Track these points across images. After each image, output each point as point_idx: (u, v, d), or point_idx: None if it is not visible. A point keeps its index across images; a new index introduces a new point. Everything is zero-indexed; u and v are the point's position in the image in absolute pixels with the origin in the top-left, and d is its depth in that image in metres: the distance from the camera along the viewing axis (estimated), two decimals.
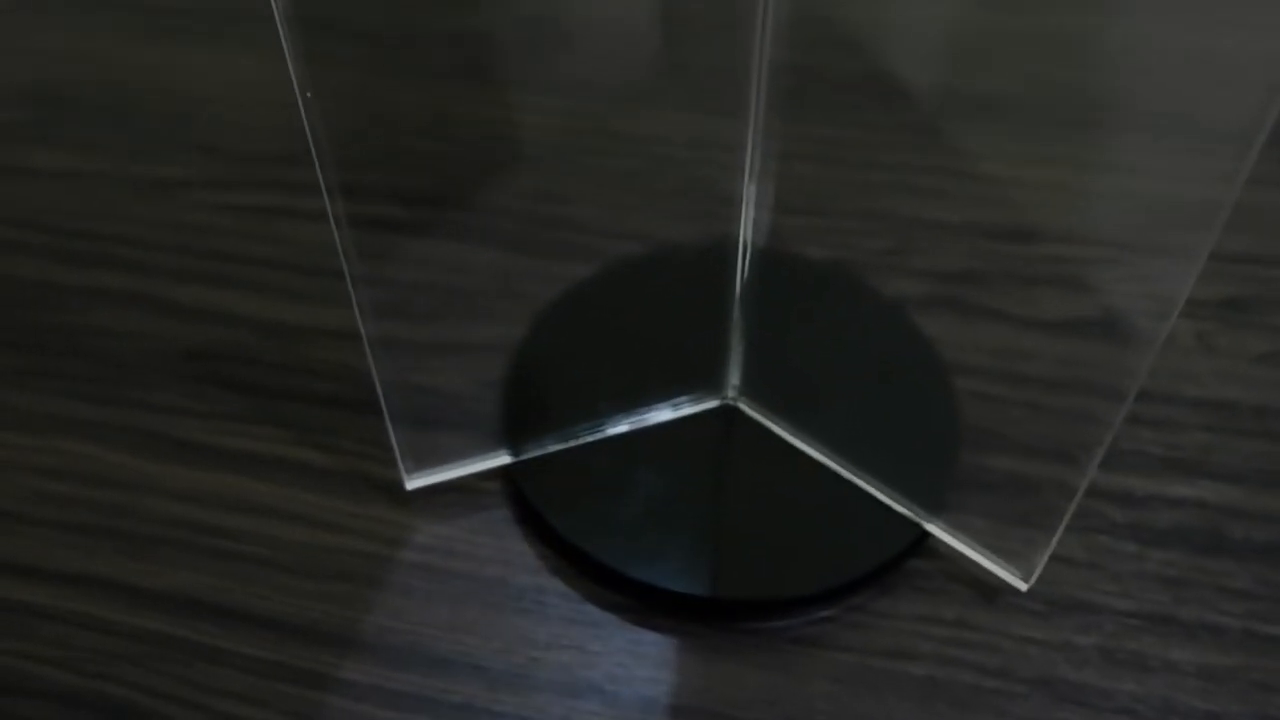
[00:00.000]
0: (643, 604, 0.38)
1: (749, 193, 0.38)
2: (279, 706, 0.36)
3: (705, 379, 0.41)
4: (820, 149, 0.54)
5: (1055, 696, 0.35)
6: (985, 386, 0.43)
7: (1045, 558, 0.36)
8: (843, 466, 0.39)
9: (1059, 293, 0.48)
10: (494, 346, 0.44)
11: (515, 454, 0.40)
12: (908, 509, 0.38)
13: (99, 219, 0.53)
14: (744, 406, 0.41)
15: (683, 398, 0.41)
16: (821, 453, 0.39)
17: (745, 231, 0.39)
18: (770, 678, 0.36)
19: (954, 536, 0.37)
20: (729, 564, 0.37)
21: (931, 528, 0.38)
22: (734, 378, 0.41)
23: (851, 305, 0.45)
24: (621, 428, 0.41)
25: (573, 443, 0.40)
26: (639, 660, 0.36)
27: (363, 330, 0.36)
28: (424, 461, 0.39)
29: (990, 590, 0.38)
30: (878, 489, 0.38)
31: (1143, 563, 0.38)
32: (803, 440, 0.40)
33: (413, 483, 0.39)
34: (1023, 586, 0.36)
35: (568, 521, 0.38)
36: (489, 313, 0.47)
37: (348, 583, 0.39)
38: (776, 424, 0.40)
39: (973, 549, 0.37)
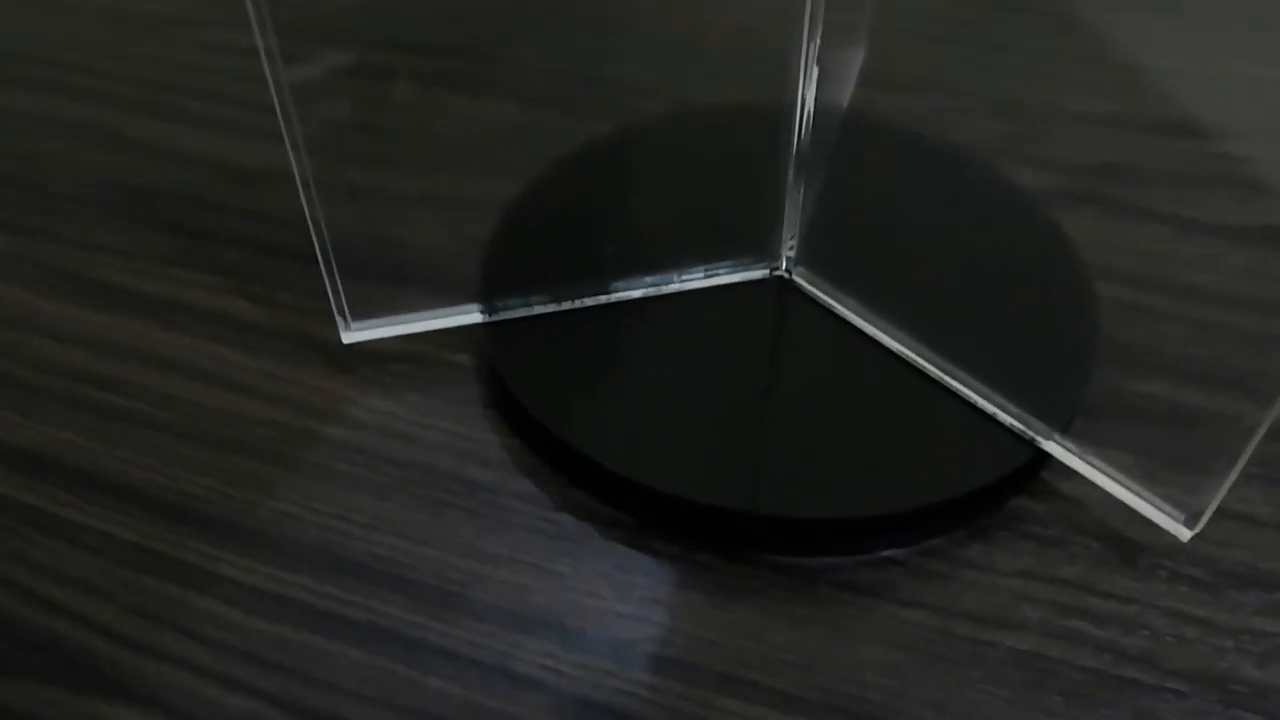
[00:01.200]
0: (638, 519, 0.27)
1: (809, 52, 0.28)
2: (124, 602, 0.26)
3: (751, 243, 0.31)
4: (935, 26, 0.44)
5: (1225, 700, 0.24)
6: (1134, 296, 0.32)
7: (1212, 508, 0.25)
8: (931, 362, 0.28)
9: (1232, 195, 0.36)
10: (491, 203, 0.35)
11: (489, 312, 0.30)
12: (1021, 425, 0.27)
13: (71, 48, 0.45)
14: (800, 279, 0.31)
15: (720, 263, 0.31)
16: (902, 342, 0.29)
17: (805, 91, 0.29)
18: (806, 634, 0.25)
19: (1088, 465, 0.26)
20: (764, 473, 0.26)
21: (1053, 449, 0.26)
22: (789, 243, 0.31)
23: (960, 183, 0.34)
24: (633, 293, 0.30)
25: (566, 305, 0.30)
26: (621, 592, 0.26)
27: (293, 164, 0.27)
28: (370, 311, 0.30)
29: (1131, 546, 0.26)
30: (980, 395, 0.27)
31: None
32: (877, 325, 0.29)
33: (352, 335, 0.30)
34: (1184, 535, 0.25)
35: (546, 403, 0.28)
36: (494, 168, 0.37)
37: (251, 458, 0.29)
38: (842, 302, 0.30)
39: (1113, 485, 0.26)
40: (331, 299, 0.29)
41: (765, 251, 0.31)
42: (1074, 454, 0.26)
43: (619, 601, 0.26)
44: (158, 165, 0.39)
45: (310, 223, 0.28)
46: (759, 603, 0.26)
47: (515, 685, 0.24)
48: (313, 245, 0.28)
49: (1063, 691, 0.24)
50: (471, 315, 0.30)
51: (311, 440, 0.29)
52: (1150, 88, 0.40)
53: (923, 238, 0.32)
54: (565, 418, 0.28)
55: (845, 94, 0.38)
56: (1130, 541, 0.26)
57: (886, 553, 0.26)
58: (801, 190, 0.31)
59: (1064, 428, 0.27)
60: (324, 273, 0.29)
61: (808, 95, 0.29)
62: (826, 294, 0.30)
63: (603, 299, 0.30)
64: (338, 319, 0.29)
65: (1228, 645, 0.25)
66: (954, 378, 0.28)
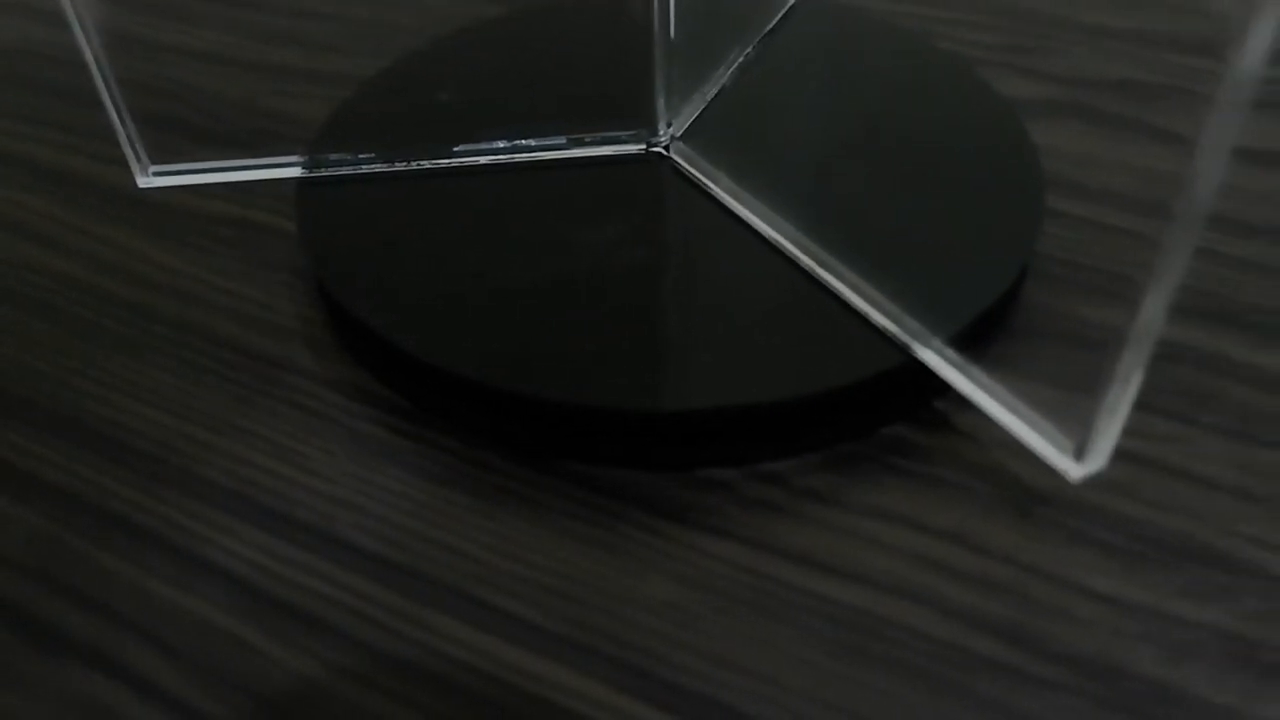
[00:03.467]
0: (421, 406, 0.22)
1: None
2: None
3: (623, 115, 0.26)
4: None
5: (1109, 698, 0.17)
6: (1097, 211, 0.26)
7: (1105, 441, 0.18)
8: (805, 250, 0.22)
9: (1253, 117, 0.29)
10: (354, 79, 0.30)
11: (310, 167, 0.26)
12: (895, 327, 0.21)
13: None
14: (679, 156, 0.25)
15: (585, 133, 0.26)
16: (777, 228, 0.23)
17: None
18: (580, 558, 0.20)
19: (970, 383, 0.20)
20: (574, 361, 0.21)
21: (931, 360, 0.20)
22: (666, 117, 0.26)
23: (914, 76, 0.28)
24: (479, 159, 0.26)
25: (399, 166, 0.26)
26: (366, 483, 0.21)
27: None
28: (173, 156, 0.26)
29: (1029, 497, 0.20)
30: (855, 291, 0.22)
31: None
32: (752, 208, 0.24)
33: (149, 180, 0.26)
34: (1074, 473, 0.19)
35: (337, 267, 0.23)
36: (364, 49, 0.33)
37: (19, 309, 0.25)
38: (719, 183, 0.24)
39: (998, 409, 0.20)
40: (122, 134, 0.25)
41: (640, 125, 0.26)
42: (956, 368, 0.20)
43: (360, 493, 0.21)
44: None
45: (90, 61, 0.24)
46: (534, 515, 0.20)
47: (201, 574, 0.20)
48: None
49: (889, 661, 0.18)
50: (289, 170, 0.26)
51: (88, 294, 0.25)
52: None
53: (840, 126, 0.26)
54: (353, 283, 0.23)
55: None
56: (1030, 490, 0.20)
57: (713, 472, 0.21)
58: (684, 62, 0.25)
59: (952, 339, 0.20)
60: (109, 110, 0.24)
61: None
62: (705, 174, 0.25)
63: (442, 163, 0.26)
64: (131, 161, 0.25)
65: (1130, 630, 0.18)
66: (829, 269, 0.22)
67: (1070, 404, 0.18)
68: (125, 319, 0.25)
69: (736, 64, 0.28)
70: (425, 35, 0.31)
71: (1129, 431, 0.21)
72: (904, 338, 0.21)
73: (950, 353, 0.20)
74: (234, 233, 0.27)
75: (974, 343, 0.21)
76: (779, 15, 0.30)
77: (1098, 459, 0.18)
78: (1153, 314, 0.16)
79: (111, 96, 0.24)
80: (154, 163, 0.25)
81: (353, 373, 0.23)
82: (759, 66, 0.28)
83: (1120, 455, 0.21)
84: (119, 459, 0.22)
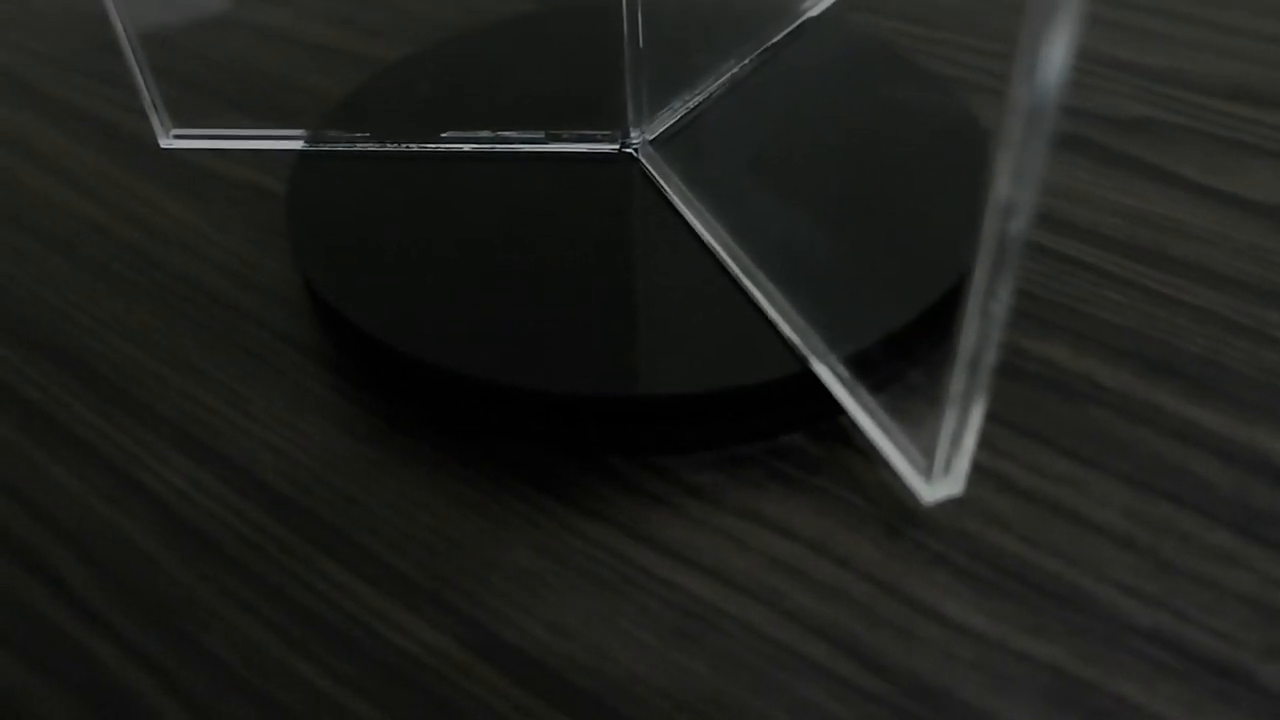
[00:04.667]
0: (360, 369, 0.24)
1: None
2: None
3: (598, 117, 0.27)
4: None
5: (914, 713, 0.18)
6: (1043, 237, 0.26)
7: (957, 462, 0.19)
8: (736, 259, 0.23)
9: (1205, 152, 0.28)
10: (381, 62, 0.32)
11: (312, 141, 0.28)
12: (798, 338, 0.21)
13: None
14: (645, 158, 0.26)
15: (564, 130, 0.27)
16: (714, 234, 0.24)
17: None
18: (459, 522, 0.21)
19: (852, 399, 0.21)
20: (494, 339, 0.22)
21: (824, 375, 0.21)
22: (640, 122, 0.27)
23: (882, 92, 0.29)
24: (463, 146, 0.27)
25: (390, 147, 0.27)
26: (296, 433, 0.23)
27: None
28: (203, 119, 0.28)
29: (905, 518, 0.20)
30: (770, 300, 0.22)
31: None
32: (696, 211, 0.24)
33: (169, 142, 0.28)
34: (924, 496, 0.19)
35: (309, 233, 0.25)
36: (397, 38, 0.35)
37: (39, 240, 0.28)
38: (672, 184, 0.25)
39: (870, 426, 0.20)
40: (145, 102, 0.27)
41: (614, 126, 0.27)
42: (843, 385, 0.21)
43: (288, 441, 0.23)
44: None
45: (120, 34, 0.26)
46: (433, 479, 0.22)
47: (132, 494, 0.22)
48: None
49: (719, 652, 0.19)
50: (295, 143, 0.28)
51: (106, 238, 0.28)
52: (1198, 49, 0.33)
53: (805, 144, 0.27)
54: (319, 251, 0.25)
55: None
56: (905, 511, 0.20)
57: (612, 459, 0.22)
58: (657, 71, 0.26)
59: (848, 357, 0.21)
60: (135, 76, 0.27)
61: None
62: (663, 177, 0.26)
63: (430, 148, 0.27)
64: (154, 123, 0.28)
65: (964, 656, 0.18)
66: (751, 278, 0.23)
67: (930, 429, 0.19)
68: (132, 264, 0.27)
69: (729, 75, 0.29)
70: (459, 28, 0.33)
71: (1028, 466, 0.21)
72: (804, 350, 0.21)
73: (841, 369, 0.21)
74: (245, 195, 0.29)
75: (869, 363, 0.21)
76: (785, 31, 0.31)
77: (949, 484, 0.19)
78: (975, 343, 0.16)
79: (139, 65, 0.27)
80: (176, 125, 0.28)
81: (311, 333, 0.25)
82: (752, 80, 0.29)
83: (1010, 488, 0.21)
84: (91, 385, 0.24)
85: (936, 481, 0.18)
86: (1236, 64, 0.32)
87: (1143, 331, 0.24)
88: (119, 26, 0.26)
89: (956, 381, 0.17)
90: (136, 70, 0.27)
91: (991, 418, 0.22)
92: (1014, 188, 0.14)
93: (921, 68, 0.29)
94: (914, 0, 0.35)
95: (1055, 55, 0.13)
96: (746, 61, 0.29)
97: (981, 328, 0.16)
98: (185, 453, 0.22)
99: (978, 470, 0.21)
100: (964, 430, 0.17)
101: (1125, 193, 0.28)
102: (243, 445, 0.23)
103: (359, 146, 0.28)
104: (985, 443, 0.22)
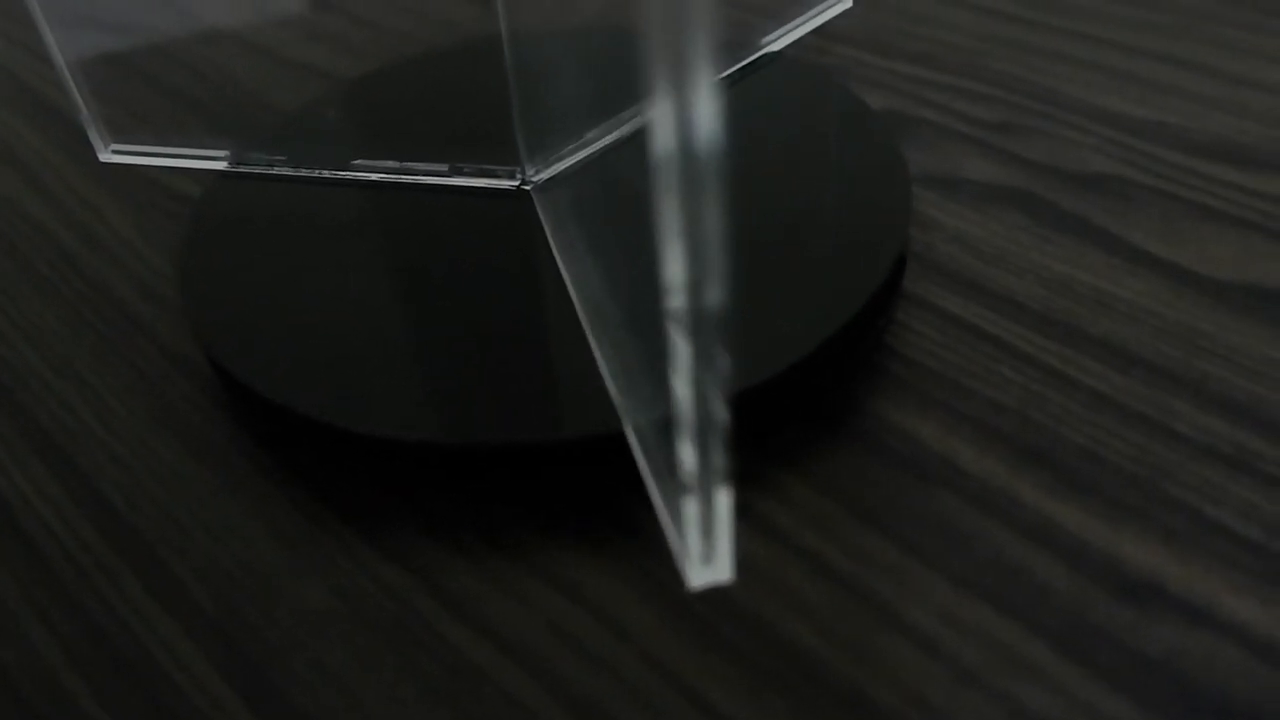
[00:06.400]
0: (230, 395, 0.25)
1: None
2: None
3: (495, 152, 0.27)
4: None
5: None
6: (967, 314, 0.24)
7: (721, 557, 0.18)
8: (586, 311, 0.23)
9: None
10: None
11: (234, 162, 0.29)
12: (620, 404, 0.21)
13: None
14: (536, 196, 0.26)
15: (466, 164, 0.27)
16: (573, 279, 0.23)
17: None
18: (276, 555, 0.21)
19: (653, 477, 0.20)
20: (338, 378, 0.22)
21: (630, 437, 0.20)
22: (534, 161, 0.26)
23: (816, 127, 0.27)
24: (371, 175, 0.27)
25: (304, 172, 0.28)
26: (145, 459, 0.23)
27: None
28: (132, 137, 0.29)
29: (704, 593, 0.19)
30: (605, 362, 0.22)
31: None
32: (563, 256, 0.24)
33: (108, 156, 0.29)
34: (691, 582, 0.18)
35: (197, 256, 0.26)
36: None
37: None
38: (549, 227, 0.25)
39: (664, 511, 0.19)
40: (83, 118, 0.28)
41: (514, 163, 0.27)
42: (643, 453, 0.20)
43: (135, 456, 0.23)
44: None
45: (55, 55, 0.27)
46: (257, 507, 0.22)
47: None
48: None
49: (469, 714, 0.18)
50: (220, 163, 0.29)
51: (44, 238, 0.30)
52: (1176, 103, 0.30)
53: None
54: (203, 276, 0.25)
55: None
56: (709, 591, 0.19)
57: (433, 506, 0.22)
58: (547, 112, 0.26)
59: (651, 425, 0.20)
60: (71, 95, 0.28)
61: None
62: (545, 217, 0.25)
63: (341, 175, 0.28)
64: (93, 137, 0.29)
65: None
66: (593, 333, 0.22)
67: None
68: (60, 269, 0.29)
69: (631, 123, 0.28)
70: (413, 53, 0.33)
71: (853, 552, 0.20)
72: (621, 411, 0.20)
73: (639, 437, 0.20)
74: (182, 208, 0.30)
75: (658, 437, 0.20)
76: (726, 71, 0.30)
77: (714, 571, 0.17)
78: (696, 428, 0.15)
79: (76, 84, 0.28)
80: (115, 140, 0.29)
81: (197, 352, 0.26)
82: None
83: (825, 574, 0.20)
84: None
85: (698, 567, 0.17)
86: (1229, 119, 0.30)
87: (1026, 414, 0.22)
88: (49, 40, 0.27)
89: (687, 471, 0.16)
90: (72, 86, 0.28)
91: (829, 492, 0.21)
92: (681, 265, 0.13)
93: (864, 109, 0.28)
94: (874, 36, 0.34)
95: (701, 110, 0.12)
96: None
97: (699, 416, 0.15)
98: (43, 459, 0.23)
99: (796, 551, 0.20)
100: (713, 520, 0.16)
101: (1057, 258, 0.26)
102: (94, 457, 0.23)
103: (275, 170, 0.28)
104: (815, 521, 0.21)
